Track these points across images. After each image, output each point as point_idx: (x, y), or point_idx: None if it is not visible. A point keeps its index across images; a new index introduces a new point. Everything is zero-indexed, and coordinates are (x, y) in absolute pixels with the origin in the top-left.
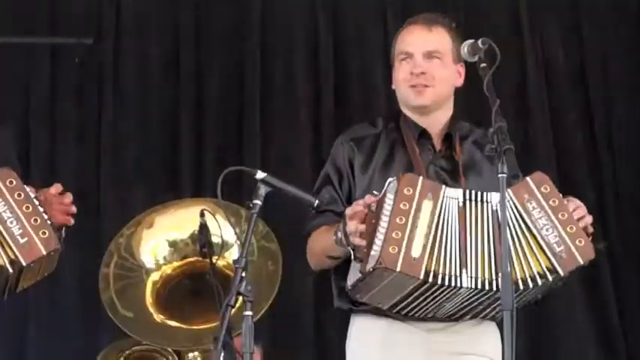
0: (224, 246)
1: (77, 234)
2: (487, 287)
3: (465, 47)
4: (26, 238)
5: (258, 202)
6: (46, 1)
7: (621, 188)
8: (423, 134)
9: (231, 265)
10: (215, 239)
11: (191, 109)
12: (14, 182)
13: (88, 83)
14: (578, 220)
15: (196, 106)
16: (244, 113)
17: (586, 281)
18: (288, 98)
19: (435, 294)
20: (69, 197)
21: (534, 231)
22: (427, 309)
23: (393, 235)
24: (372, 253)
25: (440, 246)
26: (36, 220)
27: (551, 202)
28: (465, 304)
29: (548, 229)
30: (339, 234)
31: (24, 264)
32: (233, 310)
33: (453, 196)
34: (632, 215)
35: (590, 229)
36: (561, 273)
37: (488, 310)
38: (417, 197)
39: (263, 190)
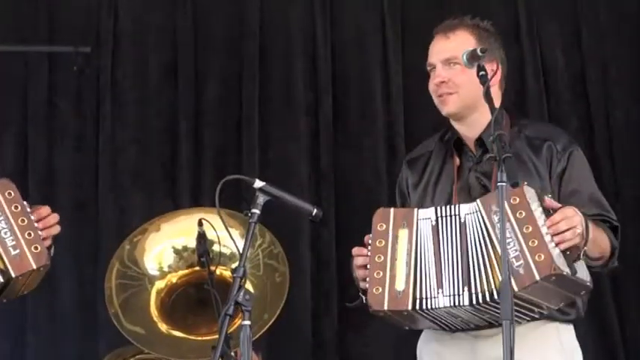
0: (231, 257)
1: (75, 242)
2: (460, 302)
3: (465, 55)
4: (18, 250)
5: (257, 211)
6: (44, 9)
7: (622, 196)
8: (459, 142)
9: None
10: (224, 250)
11: (190, 116)
12: (13, 194)
13: (86, 91)
14: (560, 233)
15: (195, 113)
16: (243, 120)
17: None
18: (286, 105)
19: (433, 314)
20: (55, 218)
21: (496, 244)
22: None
23: (375, 275)
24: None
25: (421, 271)
26: (30, 234)
27: (517, 215)
28: (468, 317)
29: (509, 243)
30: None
31: (13, 275)
32: (238, 322)
33: (426, 216)
34: (633, 223)
35: (571, 242)
36: (515, 289)
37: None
38: (391, 230)
39: (261, 199)
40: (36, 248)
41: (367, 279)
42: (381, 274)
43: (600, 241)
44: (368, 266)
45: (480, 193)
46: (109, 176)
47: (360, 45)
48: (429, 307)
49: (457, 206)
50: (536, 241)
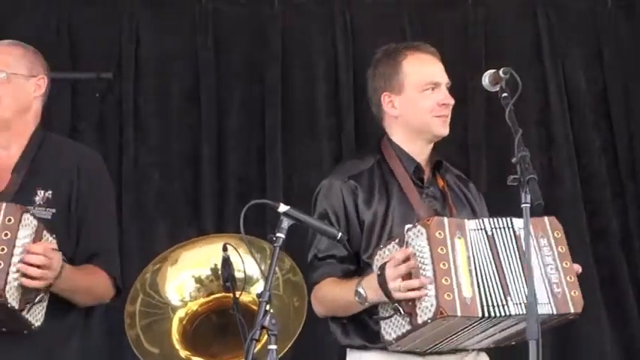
0: (248, 281)
1: None
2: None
3: (487, 77)
4: None
5: (282, 235)
6: (66, 36)
7: None
8: (418, 167)
9: (256, 300)
10: (239, 274)
11: (212, 142)
12: (12, 220)
13: (109, 118)
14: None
15: (217, 139)
16: (266, 146)
17: (610, 308)
18: (309, 130)
19: (481, 326)
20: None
21: (542, 265)
22: (459, 342)
23: (443, 281)
24: (424, 304)
25: (483, 280)
26: None
27: (559, 249)
28: (496, 330)
29: (552, 269)
30: (363, 292)
31: None
32: (259, 345)
33: (476, 227)
34: None
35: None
36: (555, 312)
37: (505, 336)
38: (448, 238)
39: (286, 223)
40: None
41: (430, 286)
42: (449, 280)
43: None
44: (428, 273)
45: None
46: (132, 202)
47: None
48: (499, 314)
49: (510, 219)
50: (573, 278)
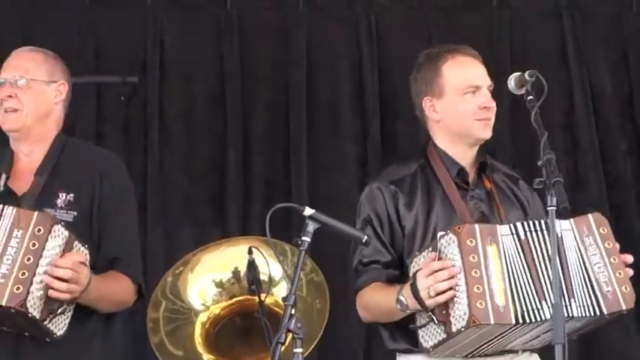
0: (271, 283)
1: None
2: (568, 313)
3: (512, 80)
4: (2, 281)
5: (307, 238)
6: (91, 40)
7: None
8: (461, 170)
9: (279, 303)
10: (263, 277)
11: (237, 145)
12: (41, 231)
13: (134, 121)
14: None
15: (243, 142)
16: (291, 149)
17: (637, 313)
18: (334, 134)
19: (519, 331)
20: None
21: (587, 265)
22: (501, 345)
23: (475, 289)
24: (457, 312)
25: (516, 285)
26: (23, 274)
27: (606, 245)
28: (540, 332)
29: (600, 267)
30: (404, 300)
31: None
32: (282, 348)
33: (508, 232)
34: None
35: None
36: (605, 312)
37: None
38: (480, 245)
39: (311, 226)
40: (18, 289)
41: (462, 294)
42: (481, 288)
43: None
44: (460, 281)
45: (477, 220)
46: (157, 205)
47: (406, 70)
48: (534, 319)
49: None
50: (622, 273)
